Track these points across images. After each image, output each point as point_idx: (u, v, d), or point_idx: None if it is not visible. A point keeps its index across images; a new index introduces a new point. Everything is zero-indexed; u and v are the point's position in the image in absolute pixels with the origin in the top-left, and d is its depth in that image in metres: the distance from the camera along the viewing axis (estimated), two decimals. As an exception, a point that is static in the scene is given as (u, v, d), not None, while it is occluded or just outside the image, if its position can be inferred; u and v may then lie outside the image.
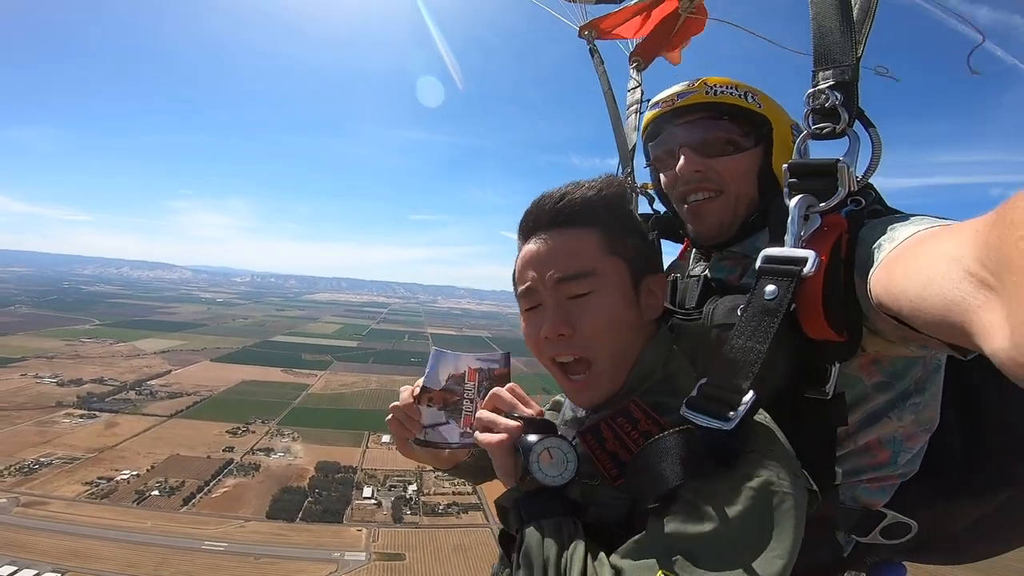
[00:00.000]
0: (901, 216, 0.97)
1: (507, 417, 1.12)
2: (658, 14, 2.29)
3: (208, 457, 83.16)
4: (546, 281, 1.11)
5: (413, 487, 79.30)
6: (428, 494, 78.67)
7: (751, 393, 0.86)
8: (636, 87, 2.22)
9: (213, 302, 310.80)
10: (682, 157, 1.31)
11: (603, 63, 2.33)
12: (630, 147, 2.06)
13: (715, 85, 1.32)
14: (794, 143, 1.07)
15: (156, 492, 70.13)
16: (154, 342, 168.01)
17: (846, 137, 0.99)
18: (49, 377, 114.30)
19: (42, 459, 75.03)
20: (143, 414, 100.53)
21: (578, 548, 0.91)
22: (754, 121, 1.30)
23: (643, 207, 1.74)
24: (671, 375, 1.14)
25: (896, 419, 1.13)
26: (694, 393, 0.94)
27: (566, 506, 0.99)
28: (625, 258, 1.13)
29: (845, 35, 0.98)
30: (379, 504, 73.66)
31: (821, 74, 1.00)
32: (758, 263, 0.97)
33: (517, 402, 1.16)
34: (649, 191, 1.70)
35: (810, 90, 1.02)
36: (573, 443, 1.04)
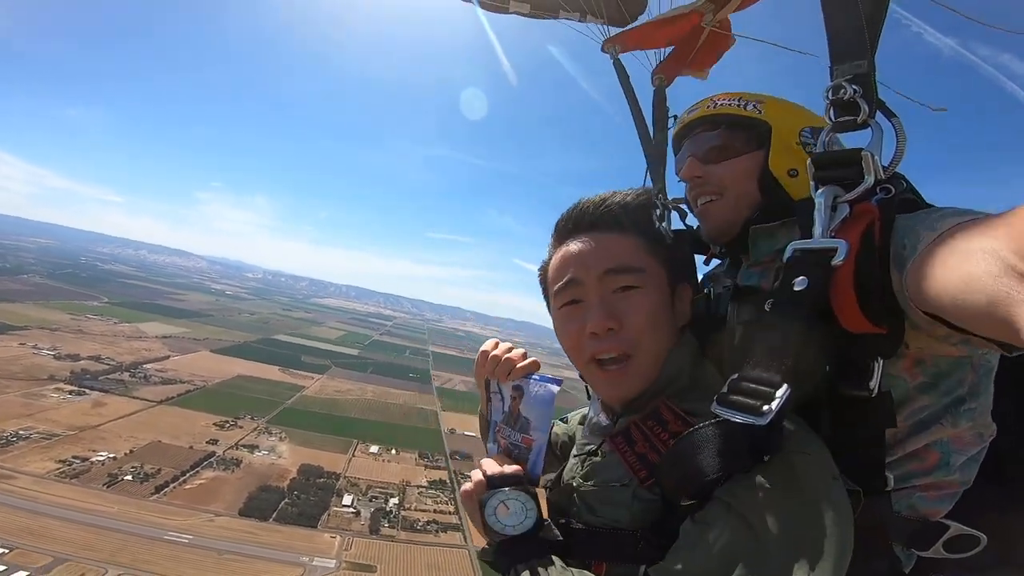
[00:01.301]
0: (935, 209, 0.96)
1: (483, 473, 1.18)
2: (680, 29, 2.29)
3: (190, 447, 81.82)
4: (592, 271, 1.13)
5: (395, 500, 77.76)
6: (409, 509, 76.91)
7: (784, 387, 0.84)
8: (660, 102, 2.23)
9: (222, 294, 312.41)
10: (687, 165, 1.41)
11: (628, 77, 2.35)
12: (662, 163, 2.11)
13: (718, 99, 1.41)
14: (801, 144, 1.17)
15: (129, 477, 68.55)
16: (158, 326, 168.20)
17: (869, 129, 1.00)
18: (48, 349, 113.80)
19: (21, 432, 73.56)
20: (133, 397, 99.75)
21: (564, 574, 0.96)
22: (753, 127, 1.35)
23: (676, 223, 1.81)
24: (698, 379, 1.14)
25: (950, 425, 1.07)
26: (724, 390, 0.92)
27: (541, 548, 1.03)
28: (663, 262, 1.17)
29: (858, 32, 1.00)
30: (357, 513, 72.04)
31: (838, 70, 1.03)
32: (786, 256, 0.97)
33: (494, 464, 1.21)
34: (681, 206, 1.78)
35: (829, 85, 1.04)
36: (533, 494, 1.10)
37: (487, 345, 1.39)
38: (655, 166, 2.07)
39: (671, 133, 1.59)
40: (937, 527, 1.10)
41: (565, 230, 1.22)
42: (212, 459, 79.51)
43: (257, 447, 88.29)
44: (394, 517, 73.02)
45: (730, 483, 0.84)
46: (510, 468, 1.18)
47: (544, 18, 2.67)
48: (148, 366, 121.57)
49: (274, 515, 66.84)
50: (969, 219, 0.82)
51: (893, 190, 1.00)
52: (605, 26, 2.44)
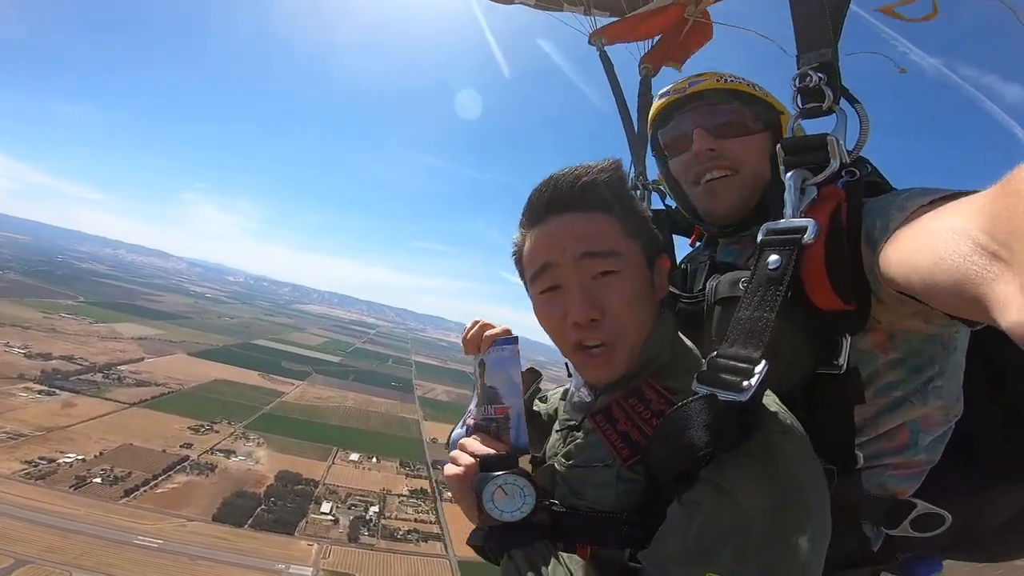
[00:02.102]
0: (904, 191, 0.98)
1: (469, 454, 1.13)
2: (665, 20, 2.38)
3: (163, 451, 79.79)
4: (568, 257, 1.06)
5: (375, 508, 76.57)
6: (389, 517, 75.81)
7: (763, 363, 0.85)
8: (646, 92, 2.32)
9: (202, 296, 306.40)
10: (696, 137, 1.35)
11: (613, 68, 2.49)
12: (643, 148, 2.12)
13: (724, 76, 1.40)
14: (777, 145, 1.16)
15: (98, 480, 66.42)
16: (133, 327, 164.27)
17: (834, 115, 1.04)
18: (19, 347, 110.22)
19: (-14, 431, 70.63)
20: (105, 398, 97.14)
21: (557, 569, 0.94)
22: (762, 107, 1.37)
23: (655, 204, 1.90)
24: (678, 357, 1.13)
25: (920, 403, 1.10)
26: (704, 367, 0.92)
27: (533, 533, 1.00)
28: (640, 240, 1.12)
29: (822, 21, 1.05)
30: (336, 521, 70.75)
31: (804, 59, 1.06)
32: (759, 236, 0.99)
33: (478, 443, 1.16)
34: (661, 187, 1.81)
35: (795, 73, 1.07)
36: (529, 476, 1.05)
37: (469, 324, 1.34)
38: (637, 150, 2.15)
39: (656, 106, 1.51)
40: (905, 505, 1.13)
41: (538, 211, 1.13)
42: (186, 463, 77.49)
43: (234, 452, 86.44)
44: (374, 525, 71.87)
45: (715, 463, 0.84)
46: (499, 446, 1.15)
47: (549, 9, 2.68)
48: (122, 367, 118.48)
49: (249, 521, 65.35)
50: (939, 197, 0.84)
51: (858, 173, 1.03)
52: (605, 17, 2.52)
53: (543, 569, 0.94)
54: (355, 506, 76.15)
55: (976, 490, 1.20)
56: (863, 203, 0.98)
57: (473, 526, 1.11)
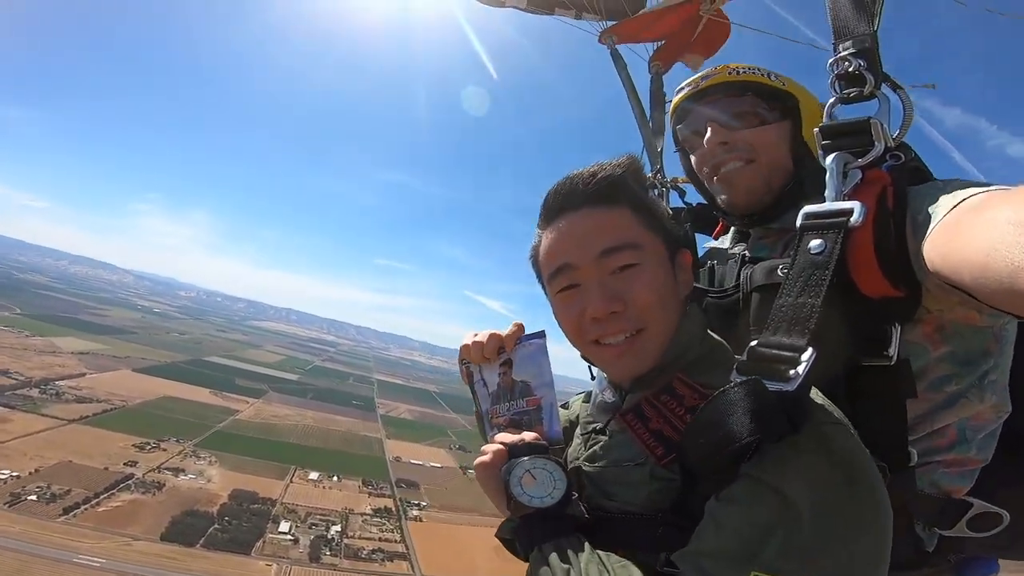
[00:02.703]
0: (951, 180, 0.95)
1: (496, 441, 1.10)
2: (677, 18, 2.35)
3: (105, 469, 75.03)
4: (588, 254, 1.03)
5: (337, 528, 73.84)
6: (353, 537, 73.21)
7: (809, 351, 0.80)
8: (658, 89, 2.29)
9: (150, 311, 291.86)
10: (709, 131, 1.35)
11: (626, 66, 2.44)
12: (659, 144, 2.12)
13: (737, 67, 1.38)
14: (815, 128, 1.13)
15: (34, 497, 61.66)
16: (75, 341, 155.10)
17: (875, 100, 1.02)
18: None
19: (-94, 446, 64.67)
20: (41, 414, 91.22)
21: (590, 565, 0.86)
22: (778, 96, 1.34)
23: (675, 201, 1.89)
24: (708, 351, 1.09)
25: (976, 399, 1.05)
26: (744, 357, 0.88)
27: (566, 525, 0.94)
28: (659, 234, 1.09)
29: (860, 9, 1.04)
30: (296, 541, 67.76)
31: (841, 46, 1.04)
32: (799, 221, 0.95)
33: (508, 435, 1.13)
34: (680, 184, 1.82)
35: (832, 58, 1.06)
36: (560, 462, 1.01)
37: (466, 338, 1.29)
38: (653, 146, 2.14)
39: (673, 103, 1.51)
40: (960, 504, 1.08)
41: (555, 208, 1.10)
42: (130, 481, 73.23)
43: (183, 470, 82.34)
44: (336, 545, 69.28)
45: (757, 457, 0.79)
46: (529, 435, 1.10)
47: (540, 13, 2.71)
48: (61, 383, 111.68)
49: (201, 540, 61.91)
50: (985, 190, 0.82)
51: (903, 157, 1.01)
52: (601, 21, 2.51)
53: (574, 562, 0.86)
54: (315, 525, 73.38)
55: None
56: (908, 189, 0.95)
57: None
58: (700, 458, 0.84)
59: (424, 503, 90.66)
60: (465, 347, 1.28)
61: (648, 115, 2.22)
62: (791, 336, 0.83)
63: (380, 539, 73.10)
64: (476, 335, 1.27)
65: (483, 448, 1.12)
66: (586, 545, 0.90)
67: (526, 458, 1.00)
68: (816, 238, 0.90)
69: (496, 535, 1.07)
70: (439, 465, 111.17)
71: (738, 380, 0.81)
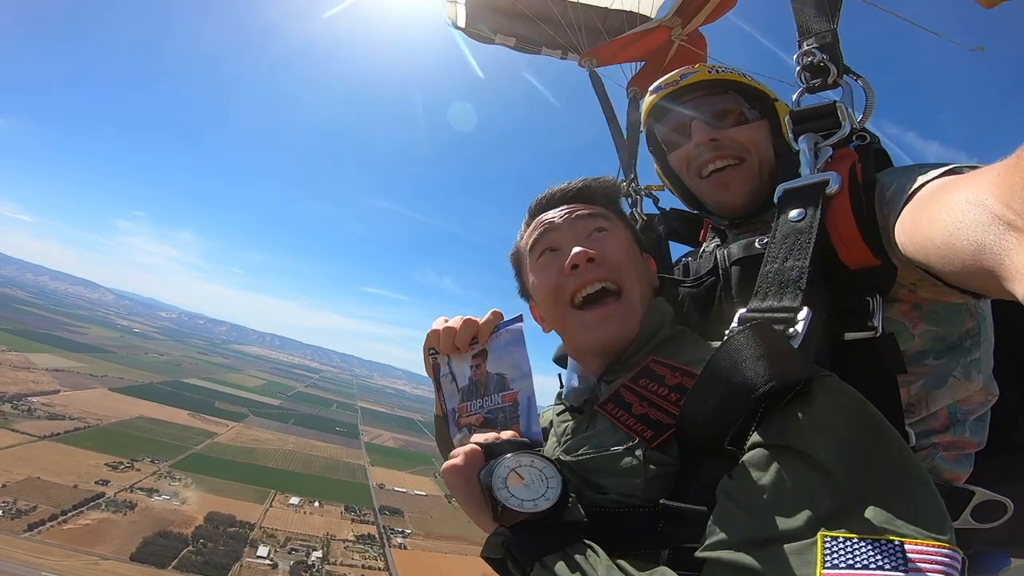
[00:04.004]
0: (916, 164, 0.97)
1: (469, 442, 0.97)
2: (651, 43, 2.44)
3: (75, 487, 72.29)
4: (567, 217, 1.15)
5: (318, 553, 71.47)
6: (334, 563, 70.78)
7: (806, 310, 0.78)
8: (635, 111, 2.36)
9: (129, 331, 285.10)
10: (696, 129, 1.35)
11: (603, 85, 2.53)
12: (633, 157, 2.22)
13: (716, 67, 1.42)
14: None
15: None
16: (50, 358, 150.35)
17: (839, 89, 1.08)
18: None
19: None
20: (12, 429, 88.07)
21: (612, 571, 0.73)
22: (757, 95, 1.38)
23: (648, 208, 1.93)
24: (678, 334, 1.09)
25: (964, 378, 1.05)
26: (734, 324, 0.85)
27: (569, 531, 0.80)
28: (630, 230, 1.21)
29: (820, 9, 1.10)
30: (275, 566, 65.55)
31: (805, 42, 1.10)
32: (777, 196, 0.98)
33: (481, 435, 0.99)
34: (653, 192, 1.88)
35: (798, 52, 1.11)
36: (549, 458, 0.88)
37: (435, 324, 1.21)
38: (628, 161, 2.21)
39: (649, 101, 1.51)
40: (963, 493, 1.05)
41: (539, 208, 1.22)
42: (100, 500, 70.40)
43: (157, 491, 79.43)
44: (317, 571, 67.08)
45: (764, 426, 0.72)
46: (507, 433, 0.98)
47: (528, 52, 2.85)
48: (34, 399, 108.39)
49: (174, 563, 59.45)
50: (951, 169, 0.82)
51: (868, 138, 1.05)
52: (582, 35, 2.62)
53: (591, 574, 0.73)
54: (295, 550, 70.77)
55: (1019, 478, 1.12)
56: (874, 167, 0.98)
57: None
58: (710, 421, 0.77)
59: (408, 531, 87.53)
60: (434, 333, 1.18)
61: (624, 132, 2.29)
62: (783, 299, 0.82)
63: (363, 566, 70.77)
64: (447, 320, 1.19)
65: (452, 452, 0.94)
66: (601, 553, 0.77)
67: (509, 455, 0.86)
68: (796, 207, 0.92)
69: (483, 555, 0.85)
70: (424, 493, 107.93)
71: (744, 326, 0.78)
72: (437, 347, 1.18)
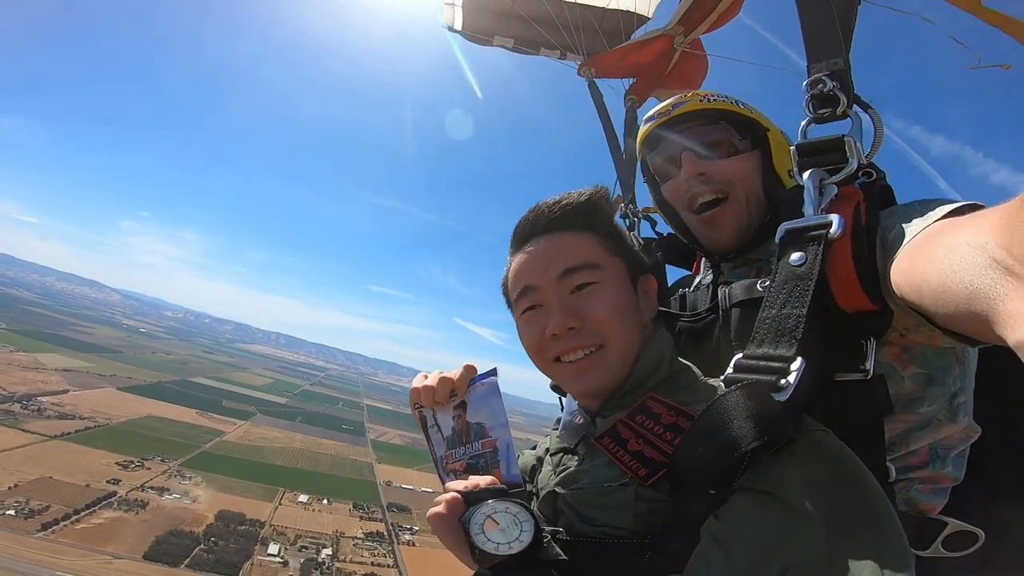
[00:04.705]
0: (923, 200, 0.96)
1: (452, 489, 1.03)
2: (651, 52, 2.41)
3: (87, 486, 72.84)
4: (549, 275, 1.08)
5: (328, 551, 71.84)
6: (344, 560, 70.99)
7: (799, 360, 0.79)
8: (632, 121, 2.34)
9: (135, 330, 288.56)
10: (685, 161, 1.34)
11: (602, 96, 2.50)
12: (631, 175, 2.17)
13: (707, 95, 1.39)
14: (791, 147, 1.12)
15: (12, 512, 59.70)
16: (59, 358, 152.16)
17: (847, 120, 1.04)
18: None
19: None
20: (22, 429, 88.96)
21: None
22: (748, 125, 1.35)
23: (646, 232, 1.91)
24: (677, 372, 1.08)
25: (948, 420, 1.07)
26: (730, 370, 0.88)
27: (542, 570, 0.87)
28: (623, 257, 1.13)
29: (833, 31, 1.06)
30: (285, 563, 65.67)
31: (815, 67, 1.07)
32: (778, 236, 0.97)
33: (461, 482, 1.05)
34: (651, 214, 1.83)
35: (808, 79, 1.08)
36: (527, 504, 0.94)
37: (416, 381, 1.26)
38: (625, 178, 2.18)
39: (643, 131, 1.48)
40: (935, 524, 1.07)
41: (522, 235, 1.16)
42: (112, 499, 70.91)
43: (168, 490, 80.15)
44: (327, 568, 67.30)
45: (751, 471, 0.76)
46: (484, 479, 1.04)
47: (526, 53, 2.83)
48: (43, 399, 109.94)
49: (187, 561, 59.86)
50: (957, 208, 0.82)
51: (875, 175, 1.02)
52: (581, 46, 2.61)
53: None
54: (305, 548, 71.23)
55: (1000, 506, 1.16)
56: (878, 206, 0.97)
57: None
58: (698, 470, 0.80)
59: (416, 528, 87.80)
60: (415, 391, 1.24)
61: (622, 147, 2.26)
62: (778, 347, 0.83)
63: (373, 563, 71.05)
64: (427, 378, 1.23)
65: (436, 499, 1.02)
66: None
67: (489, 502, 0.93)
68: (797, 251, 0.91)
69: None
70: (431, 490, 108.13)
71: (735, 386, 0.80)
72: (421, 403, 1.24)
